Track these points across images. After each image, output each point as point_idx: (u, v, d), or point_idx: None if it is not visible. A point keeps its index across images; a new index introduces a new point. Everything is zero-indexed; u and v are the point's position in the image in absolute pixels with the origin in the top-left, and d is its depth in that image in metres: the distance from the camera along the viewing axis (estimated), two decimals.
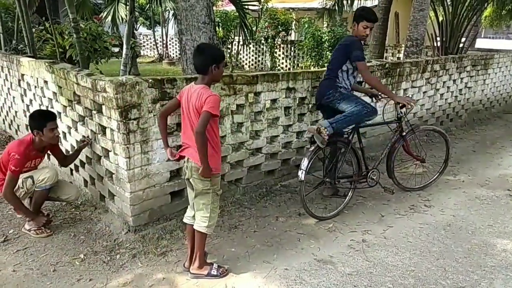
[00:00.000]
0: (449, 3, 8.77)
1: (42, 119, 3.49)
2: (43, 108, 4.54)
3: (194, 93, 2.75)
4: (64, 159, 3.89)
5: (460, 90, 7.18)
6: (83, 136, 3.84)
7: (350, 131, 4.06)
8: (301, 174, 3.67)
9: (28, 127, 3.55)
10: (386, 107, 4.72)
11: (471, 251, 3.40)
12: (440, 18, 9.12)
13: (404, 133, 4.32)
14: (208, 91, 2.73)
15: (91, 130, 3.69)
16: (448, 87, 6.81)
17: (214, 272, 2.98)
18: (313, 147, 3.75)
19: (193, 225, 2.96)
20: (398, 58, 12.64)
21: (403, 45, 11.49)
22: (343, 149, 3.99)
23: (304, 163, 3.69)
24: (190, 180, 2.89)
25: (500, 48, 13.64)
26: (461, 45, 9.00)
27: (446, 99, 6.86)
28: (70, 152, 4.12)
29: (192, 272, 3.00)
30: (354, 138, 4.06)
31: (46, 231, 3.54)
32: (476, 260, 3.26)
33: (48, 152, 3.82)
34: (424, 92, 6.28)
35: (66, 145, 4.32)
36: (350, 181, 4.14)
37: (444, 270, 3.13)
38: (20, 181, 3.49)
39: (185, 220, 3.08)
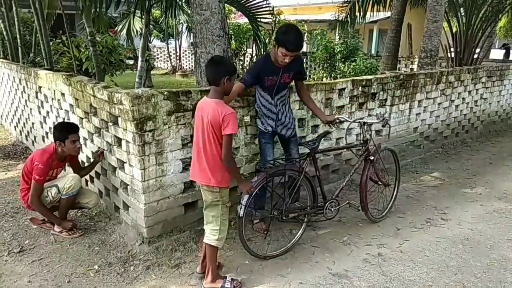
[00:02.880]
0: (462, 14, 8.72)
1: (65, 131, 3.64)
2: (60, 120, 4.62)
3: (210, 109, 2.78)
4: (79, 170, 3.96)
5: (476, 101, 7.10)
6: (98, 148, 3.89)
7: (304, 157, 3.58)
8: (240, 210, 3.14)
9: (52, 137, 3.66)
10: (349, 128, 4.49)
11: (490, 266, 3.32)
12: (454, 29, 9.07)
13: (371, 157, 3.87)
14: (225, 108, 2.78)
15: (107, 142, 3.73)
16: (463, 99, 6.73)
17: (227, 285, 2.96)
18: (256, 178, 3.27)
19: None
20: (411, 69, 12.57)
21: (416, 56, 11.45)
22: (294, 178, 3.47)
23: (245, 197, 3.14)
24: (201, 191, 2.93)
25: None
26: (475, 56, 8.92)
27: (461, 110, 6.78)
28: (86, 164, 4.18)
29: (205, 286, 2.98)
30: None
31: (78, 231, 3.70)
32: (495, 276, 3.18)
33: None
34: (439, 104, 6.22)
35: (81, 156, 4.37)
36: (303, 214, 3.63)
37: (463, 286, 3.05)
38: (44, 191, 3.63)
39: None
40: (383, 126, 3.81)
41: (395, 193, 4.34)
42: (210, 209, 2.96)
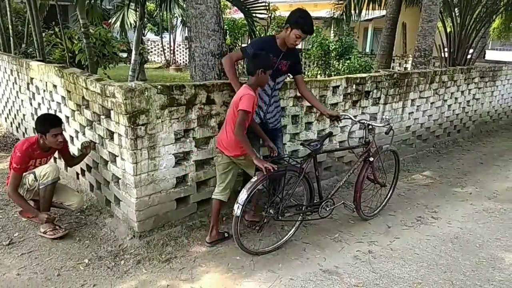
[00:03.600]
0: (457, 15, 8.77)
1: (47, 124, 3.50)
2: (51, 112, 4.57)
3: (239, 91, 3.24)
4: (71, 160, 3.91)
5: (468, 101, 7.15)
6: (87, 142, 3.82)
7: (305, 158, 3.58)
8: (237, 209, 3.15)
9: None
10: (351, 129, 4.49)
11: (479, 265, 3.35)
12: (448, 29, 9.12)
13: (371, 159, 3.88)
14: (247, 91, 3.17)
15: (99, 135, 3.70)
16: (456, 98, 6.78)
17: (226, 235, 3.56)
18: (256, 178, 3.22)
19: (221, 200, 3.43)
20: (405, 68, 12.64)
21: (410, 56, 11.50)
22: (294, 178, 3.47)
23: (242, 196, 3.15)
24: (234, 161, 3.35)
25: (508, 60, 13.59)
26: (468, 56, 8.98)
27: (453, 110, 6.83)
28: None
29: (207, 241, 3.49)
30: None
31: (61, 230, 3.53)
32: (484, 274, 3.22)
33: (55, 154, 3.84)
34: (432, 103, 6.25)
35: (73, 149, 4.33)
36: (299, 212, 3.63)
37: (452, 284, 3.08)
38: (23, 179, 3.53)
39: (213, 197, 3.47)
40: (386, 133, 3.79)
41: (390, 193, 4.36)
42: (228, 172, 3.40)
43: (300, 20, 3.40)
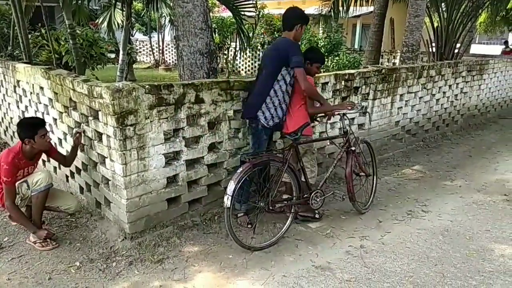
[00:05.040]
0: (444, 9, 8.84)
1: (32, 127, 3.39)
2: (39, 114, 4.52)
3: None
4: (65, 159, 3.83)
5: (456, 95, 7.22)
6: (75, 131, 3.75)
7: (287, 148, 3.62)
8: (227, 200, 3.19)
9: (18, 136, 3.47)
10: (331, 121, 4.56)
11: (469, 257, 3.39)
12: (435, 24, 9.19)
13: (353, 148, 3.94)
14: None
15: (88, 137, 3.67)
16: (444, 93, 6.84)
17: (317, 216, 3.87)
18: (241, 168, 3.28)
19: None
20: (394, 63, 12.71)
21: (398, 51, 11.56)
22: (277, 169, 3.53)
23: (231, 187, 3.20)
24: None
25: (495, 53, 13.75)
26: (456, 50, 9.06)
27: (442, 104, 6.89)
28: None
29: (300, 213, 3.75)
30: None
31: (52, 243, 3.43)
32: (474, 266, 3.26)
33: (43, 157, 3.77)
34: (420, 98, 6.30)
35: (62, 152, 4.29)
36: (290, 205, 3.68)
37: (443, 276, 3.11)
38: (17, 189, 3.42)
39: None
40: (363, 113, 3.88)
41: (374, 185, 4.39)
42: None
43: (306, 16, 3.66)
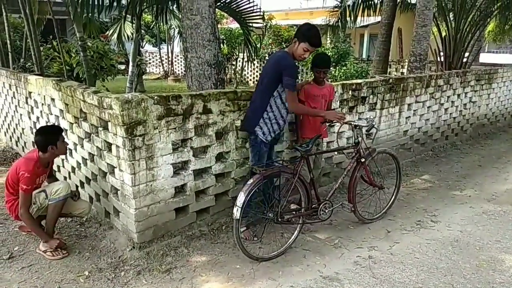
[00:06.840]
0: (451, 19, 8.83)
1: (55, 133, 3.51)
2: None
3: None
4: (51, 174, 3.87)
5: (465, 104, 7.18)
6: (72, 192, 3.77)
7: (297, 160, 3.63)
8: (236, 212, 3.19)
9: (35, 144, 3.53)
10: (339, 131, 4.59)
11: (479, 268, 3.35)
12: (443, 34, 9.18)
13: (362, 159, 3.94)
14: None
15: (97, 147, 3.72)
16: (453, 102, 6.81)
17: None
18: (252, 180, 3.28)
19: None
20: (402, 73, 12.70)
21: (406, 61, 11.56)
22: (288, 180, 3.52)
23: (241, 198, 3.20)
24: None
25: (504, 62, 13.67)
26: (464, 59, 9.03)
27: (451, 113, 6.86)
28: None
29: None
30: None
31: (62, 253, 3.46)
32: (484, 277, 3.22)
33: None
34: (429, 107, 6.28)
35: (72, 162, 4.36)
36: (298, 215, 3.67)
37: (452, 287, 3.08)
38: (32, 198, 3.47)
39: None
40: (367, 131, 3.91)
41: (393, 197, 4.39)
42: None
43: (307, 33, 3.46)
